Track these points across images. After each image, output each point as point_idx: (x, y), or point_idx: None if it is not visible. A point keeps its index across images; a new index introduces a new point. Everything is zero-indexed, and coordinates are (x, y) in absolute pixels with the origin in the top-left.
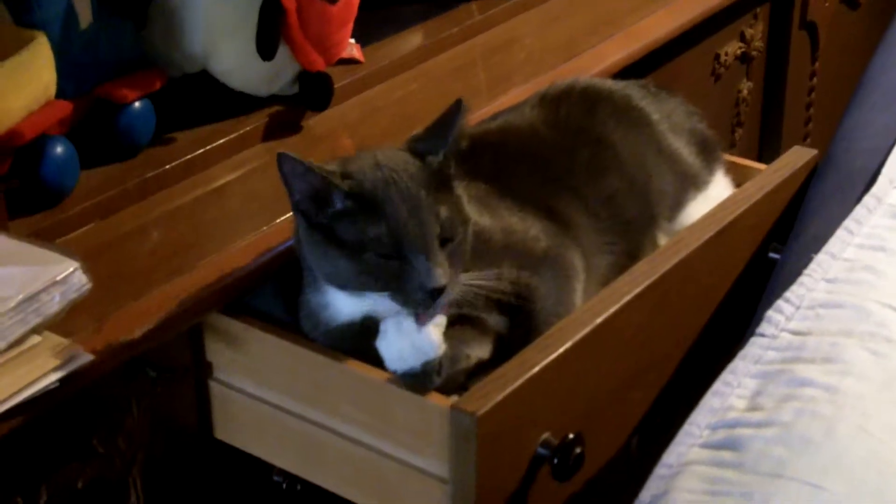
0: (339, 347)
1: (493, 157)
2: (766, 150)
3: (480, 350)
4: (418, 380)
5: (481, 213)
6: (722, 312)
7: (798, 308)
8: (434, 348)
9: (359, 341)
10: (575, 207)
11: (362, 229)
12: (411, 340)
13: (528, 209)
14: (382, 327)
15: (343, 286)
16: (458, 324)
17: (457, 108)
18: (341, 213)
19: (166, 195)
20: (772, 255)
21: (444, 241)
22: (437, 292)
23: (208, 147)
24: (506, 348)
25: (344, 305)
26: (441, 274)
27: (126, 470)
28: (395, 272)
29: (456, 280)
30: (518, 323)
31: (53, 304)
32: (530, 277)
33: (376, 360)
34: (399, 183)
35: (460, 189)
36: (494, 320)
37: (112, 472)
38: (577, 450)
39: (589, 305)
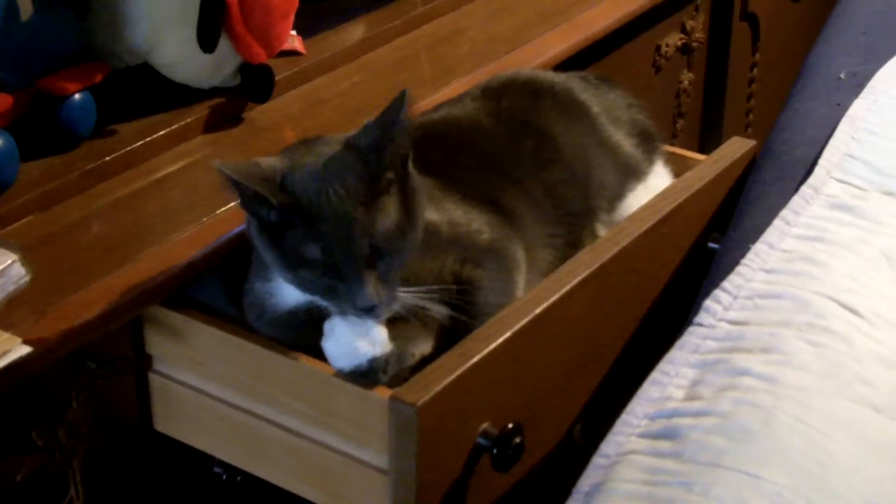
0: (284, 336)
1: (436, 149)
2: (708, 141)
3: (425, 346)
4: (364, 378)
5: (426, 207)
6: (662, 302)
7: (736, 298)
8: (380, 346)
9: (303, 330)
10: (518, 199)
11: (299, 246)
12: (357, 339)
13: (471, 201)
14: (327, 326)
15: (289, 283)
16: (403, 318)
17: (400, 102)
18: (280, 223)
19: (107, 187)
20: (711, 245)
21: (379, 257)
22: (370, 310)
23: (150, 139)
24: (448, 339)
25: (290, 293)
26: (370, 294)
27: (66, 463)
28: (330, 287)
29: (392, 295)
30: (460, 315)
31: None
32: (473, 269)
33: (320, 351)
34: (334, 198)
35: (417, 179)
36: (437, 310)
37: (52, 465)
38: (517, 440)
39: (530, 295)
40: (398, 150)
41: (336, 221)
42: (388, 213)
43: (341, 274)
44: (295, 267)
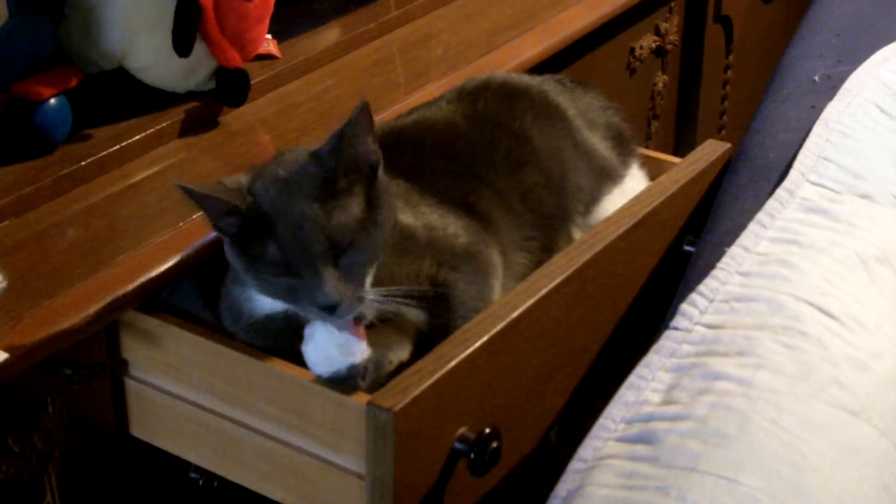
0: (261, 341)
1: (411, 153)
2: (682, 143)
3: (402, 353)
4: (343, 384)
5: (402, 210)
6: (638, 305)
7: (712, 301)
8: (359, 352)
9: (280, 335)
10: (493, 203)
11: (259, 249)
12: (337, 345)
13: (447, 205)
14: (307, 331)
15: (257, 292)
16: (379, 323)
17: (360, 109)
18: (243, 231)
19: (82, 192)
20: (686, 248)
21: (338, 253)
22: (333, 308)
23: (125, 143)
24: (424, 344)
25: (266, 298)
26: (331, 290)
27: (42, 468)
28: (292, 288)
29: (358, 294)
30: (436, 319)
31: None
32: (449, 273)
33: (297, 356)
34: (291, 198)
35: (386, 183)
36: (414, 314)
37: (28, 471)
38: (494, 444)
39: (506, 300)
40: (360, 154)
41: (290, 219)
42: (347, 211)
43: (299, 272)
44: (259, 271)
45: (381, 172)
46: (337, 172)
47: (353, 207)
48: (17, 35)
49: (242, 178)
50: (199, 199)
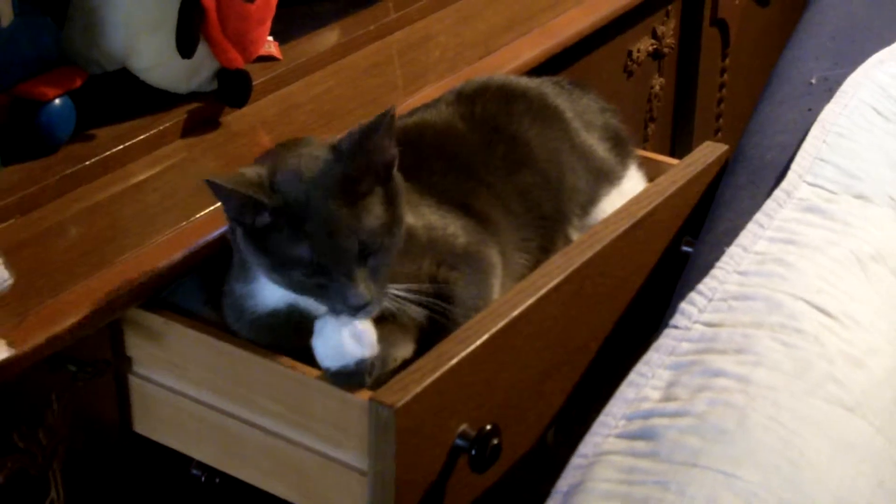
0: (263, 338)
1: (411, 154)
2: (679, 145)
3: (406, 350)
4: (350, 379)
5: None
6: (636, 305)
7: (711, 300)
8: (369, 347)
9: (283, 332)
10: (492, 204)
11: (287, 247)
12: (347, 339)
13: (446, 206)
14: (318, 325)
15: (278, 286)
16: (383, 321)
17: (385, 115)
18: (269, 226)
19: (86, 191)
20: (684, 248)
21: (367, 255)
22: (361, 307)
23: (127, 143)
24: (425, 343)
25: (270, 295)
26: (363, 291)
27: (46, 464)
28: (321, 285)
29: (382, 292)
30: (437, 318)
31: None
32: (449, 273)
33: (299, 353)
34: (318, 199)
35: (400, 183)
36: (415, 312)
37: (33, 467)
38: (494, 441)
39: (505, 298)
40: (380, 155)
41: (322, 221)
42: (373, 213)
43: (331, 273)
44: (285, 269)
45: (395, 171)
46: (360, 172)
47: (378, 210)
48: (21, 36)
49: (259, 170)
50: (224, 194)
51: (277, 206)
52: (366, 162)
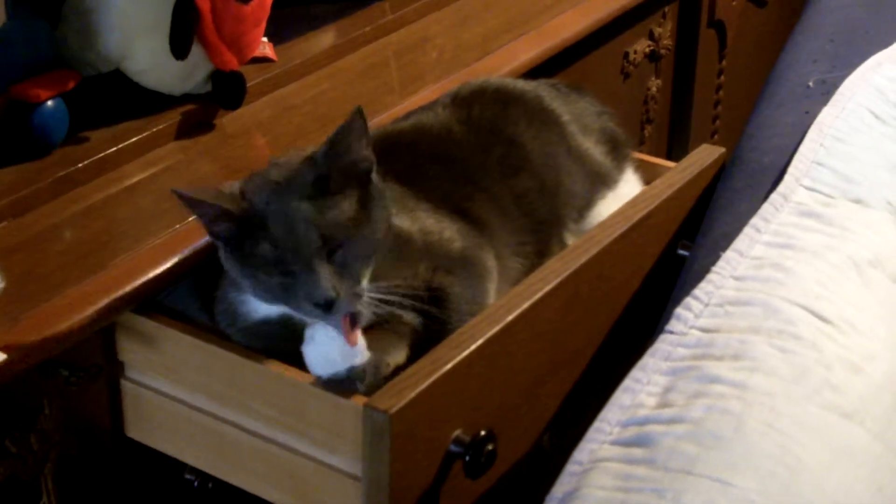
0: (256, 344)
1: (408, 157)
2: (675, 148)
3: (399, 356)
4: (343, 386)
5: (398, 215)
6: (632, 309)
7: (707, 305)
8: (360, 354)
9: (276, 338)
10: (488, 208)
11: (251, 249)
12: (338, 346)
13: (442, 210)
14: (308, 332)
15: (253, 296)
16: (376, 326)
17: (354, 115)
18: (237, 234)
19: (79, 193)
20: (681, 252)
21: (332, 250)
22: (329, 304)
23: (121, 145)
24: (420, 347)
25: (261, 303)
26: (325, 285)
27: (39, 469)
28: (287, 287)
29: (354, 292)
30: (432, 322)
31: None
32: (444, 277)
33: (293, 359)
34: (283, 197)
35: (380, 187)
36: (410, 317)
37: (25, 472)
38: (489, 446)
39: (501, 303)
40: (353, 158)
41: (283, 217)
42: (340, 209)
43: (293, 268)
44: (254, 273)
45: (374, 175)
46: (329, 174)
47: (346, 207)
48: (14, 38)
49: (237, 185)
50: (192, 205)
51: (244, 212)
52: (337, 163)
